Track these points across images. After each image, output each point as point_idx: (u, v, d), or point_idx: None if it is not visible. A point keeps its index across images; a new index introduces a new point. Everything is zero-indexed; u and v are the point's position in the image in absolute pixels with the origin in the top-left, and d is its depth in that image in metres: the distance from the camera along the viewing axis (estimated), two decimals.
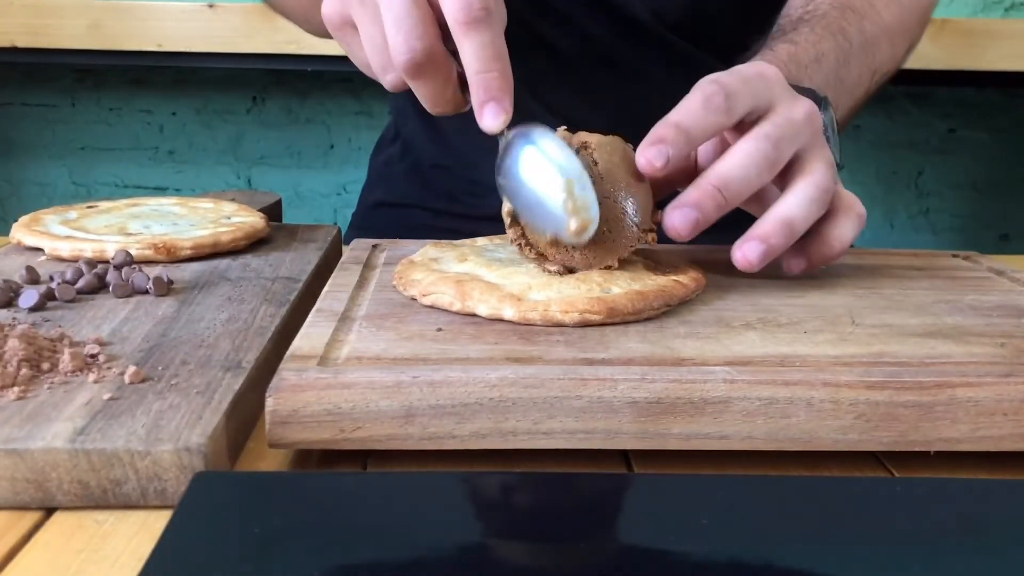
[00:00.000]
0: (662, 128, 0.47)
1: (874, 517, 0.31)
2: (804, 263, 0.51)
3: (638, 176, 0.48)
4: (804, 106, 0.49)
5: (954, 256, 0.62)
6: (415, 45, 0.45)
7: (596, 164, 0.47)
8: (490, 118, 0.45)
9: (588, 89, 0.76)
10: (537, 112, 0.77)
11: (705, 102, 0.47)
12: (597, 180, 0.46)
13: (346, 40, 0.51)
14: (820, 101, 0.54)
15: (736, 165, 0.47)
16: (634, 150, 0.48)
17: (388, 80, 0.49)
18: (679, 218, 0.46)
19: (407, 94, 0.86)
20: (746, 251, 0.48)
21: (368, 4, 0.47)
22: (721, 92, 0.47)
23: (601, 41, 0.74)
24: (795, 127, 0.48)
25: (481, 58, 0.44)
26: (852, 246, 0.86)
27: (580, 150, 0.47)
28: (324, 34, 0.62)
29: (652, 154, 0.46)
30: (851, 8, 0.65)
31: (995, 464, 0.39)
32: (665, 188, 0.51)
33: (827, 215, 0.50)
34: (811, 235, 0.50)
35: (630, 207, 0.47)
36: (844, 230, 0.51)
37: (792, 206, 0.48)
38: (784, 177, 0.49)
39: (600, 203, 0.46)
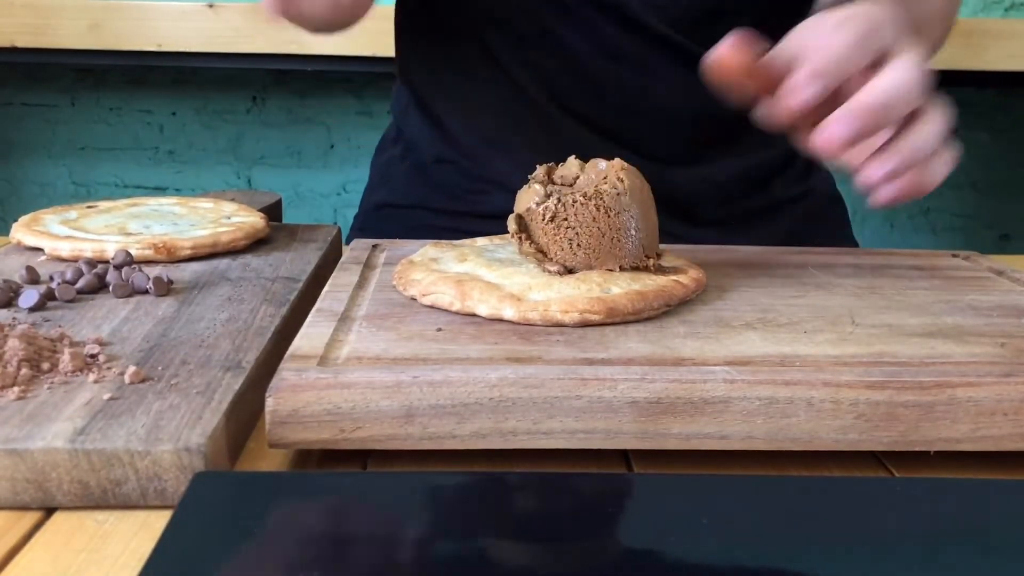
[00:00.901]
0: (811, 68, 0.47)
1: (874, 517, 0.31)
2: (899, 191, 0.50)
3: (649, 207, 0.50)
4: (918, 50, 0.50)
5: (954, 256, 0.62)
6: None
7: (622, 181, 0.48)
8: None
9: (600, 85, 0.76)
10: (551, 111, 0.77)
11: (849, 48, 0.47)
12: (623, 193, 0.48)
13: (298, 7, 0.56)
14: None
15: (894, 87, 0.47)
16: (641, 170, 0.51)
17: None
18: (834, 131, 0.46)
19: (410, 92, 0.85)
20: (873, 169, 0.48)
21: None
22: (863, 38, 0.48)
23: (611, 39, 0.75)
24: (924, 68, 0.49)
25: None
26: (855, 244, 0.86)
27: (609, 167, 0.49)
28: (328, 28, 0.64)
29: (805, 91, 0.47)
30: None
31: (995, 464, 0.39)
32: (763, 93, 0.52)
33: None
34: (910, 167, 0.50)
35: (639, 226, 0.48)
36: (944, 166, 0.51)
37: (922, 138, 0.48)
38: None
39: (619, 213, 0.47)
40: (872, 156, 0.49)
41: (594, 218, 0.47)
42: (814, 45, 0.49)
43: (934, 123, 0.49)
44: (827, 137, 0.47)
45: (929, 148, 0.49)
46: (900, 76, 0.48)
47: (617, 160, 0.49)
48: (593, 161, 0.50)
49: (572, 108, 0.77)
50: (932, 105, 0.50)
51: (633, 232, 0.48)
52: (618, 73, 0.75)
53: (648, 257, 0.49)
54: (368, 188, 0.91)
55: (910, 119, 0.49)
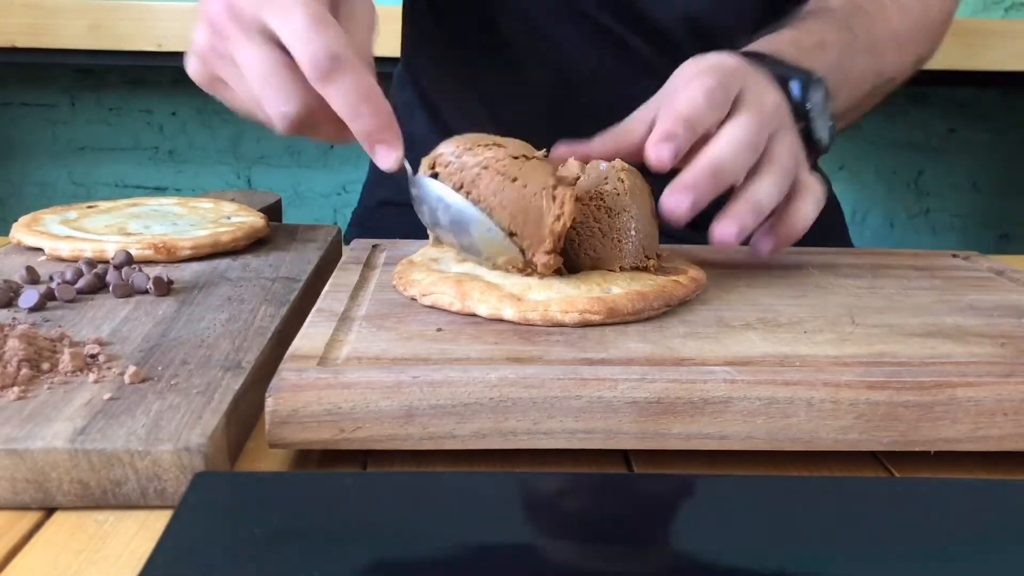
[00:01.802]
0: (671, 123, 0.49)
1: (874, 517, 0.31)
2: (772, 243, 0.54)
3: (651, 209, 0.50)
4: (772, 95, 0.52)
5: (954, 256, 0.62)
6: (286, 110, 0.44)
7: (622, 181, 0.48)
8: (383, 159, 0.45)
9: (624, 99, 0.75)
10: (563, 118, 0.76)
11: (708, 96, 0.49)
12: (623, 193, 0.48)
13: (221, 94, 0.50)
14: (814, 80, 0.56)
15: (726, 151, 0.49)
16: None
17: (281, 129, 0.48)
18: (675, 202, 0.48)
19: (414, 91, 0.84)
20: (722, 229, 0.49)
21: (230, 63, 0.46)
22: (720, 87, 0.50)
23: (637, 52, 0.74)
24: (769, 113, 0.51)
25: (347, 105, 0.44)
26: (850, 244, 0.87)
27: (611, 167, 0.49)
28: None
29: (663, 151, 0.48)
30: (861, 9, 0.67)
31: (995, 464, 0.39)
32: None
33: (790, 197, 0.53)
34: (776, 218, 0.53)
35: (639, 227, 0.48)
36: (806, 210, 0.53)
37: (762, 191, 0.51)
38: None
39: (619, 214, 0.47)
40: (719, 217, 0.50)
41: (595, 218, 0.47)
42: (667, 102, 0.51)
43: (776, 174, 0.51)
44: (666, 209, 0.49)
45: (770, 202, 0.51)
46: (732, 136, 0.50)
47: (618, 160, 0.49)
48: (594, 162, 0.50)
49: (586, 114, 0.76)
50: (780, 150, 0.51)
51: (633, 233, 0.48)
52: (647, 87, 0.75)
53: (648, 258, 0.49)
54: (368, 184, 0.91)
55: (759, 167, 0.51)
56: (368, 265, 0.54)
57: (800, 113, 0.55)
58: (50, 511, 0.34)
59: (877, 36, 0.66)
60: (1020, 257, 0.69)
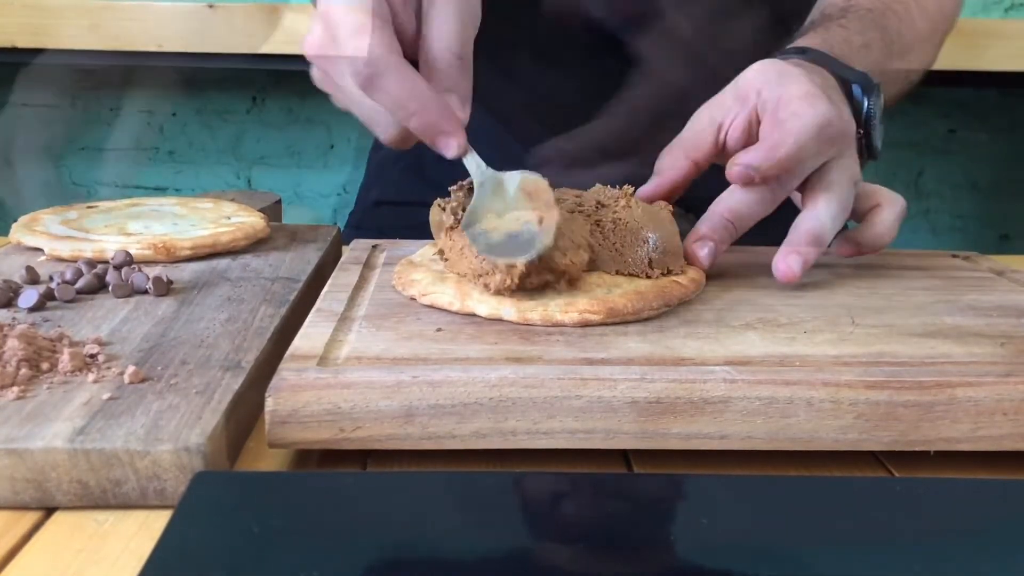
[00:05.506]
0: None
1: (874, 517, 0.31)
2: (852, 248, 0.56)
3: (671, 230, 0.50)
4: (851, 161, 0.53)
5: (954, 256, 0.62)
6: (386, 138, 0.47)
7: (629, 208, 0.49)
8: (445, 150, 0.46)
9: (597, 79, 0.76)
10: (553, 109, 0.77)
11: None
12: (634, 207, 0.49)
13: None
14: (873, 87, 0.56)
15: (742, 200, 0.51)
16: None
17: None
18: (698, 249, 0.51)
19: None
20: (791, 263, 0.50)
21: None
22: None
23: (616, 44, 0.75)
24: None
25: (394, 106, 0.45)
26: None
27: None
28: None
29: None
30: (891, 9, 0.67)
31: (995, 464, 0.39)
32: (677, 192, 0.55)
33: (875, 208, 0.55)
34: (860, 225, 0.56)
35: (651, 242, 0.48)
36: (887, 216, 0.55)
37: (816, 221, 0.51)
38: (805, 184, 0.53)
39: (626, 222, 0.48)
40: (782, 250, 0.51)
41: (596, 221, 0.47)
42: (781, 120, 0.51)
43: (830, 207, 0.52)
44: (691, 258, 0.51)
45: (831, 229, 0.52)
46: (828, 209, 0.51)
47: (628, 187, 0.50)
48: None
49: (575, 107, 0.77)
50: (829, 177, 0.52)
51: (643, 242, 0.48)
52: (616, 65, 0.75)
53: (654, 269, 0.48)
54: (364, 185, 0.92)
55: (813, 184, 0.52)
56: (368, 265, 0.54)
57: (859, 120, 0.55)
58: (50, 511, 0.34)
59: (906, 38, 0.66)
60: (1020, 257, 0.69)
